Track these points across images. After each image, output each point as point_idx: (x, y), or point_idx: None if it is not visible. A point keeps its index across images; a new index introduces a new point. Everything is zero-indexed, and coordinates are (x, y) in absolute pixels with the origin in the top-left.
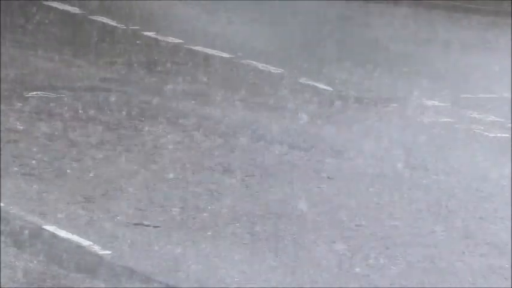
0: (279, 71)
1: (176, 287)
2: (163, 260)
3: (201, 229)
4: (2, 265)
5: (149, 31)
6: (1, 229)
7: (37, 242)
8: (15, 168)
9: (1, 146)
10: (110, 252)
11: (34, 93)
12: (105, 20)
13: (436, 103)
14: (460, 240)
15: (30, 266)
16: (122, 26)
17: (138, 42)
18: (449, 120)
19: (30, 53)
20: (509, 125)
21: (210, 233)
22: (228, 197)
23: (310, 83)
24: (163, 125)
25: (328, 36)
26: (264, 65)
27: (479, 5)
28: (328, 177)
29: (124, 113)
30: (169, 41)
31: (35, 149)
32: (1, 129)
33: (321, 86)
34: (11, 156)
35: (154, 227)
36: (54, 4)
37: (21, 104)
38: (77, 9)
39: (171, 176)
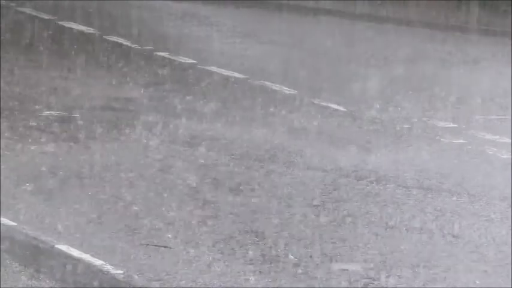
0: (292, 92)
1: None
2: (175, 280)
3: (213, 249)
4: (15, 285)
5: (163, 51)
6: (13, 249)
7: (49, 261)
8: (28, 188)
9: (13, 165)
10: (122, 271)
11: (47, 112)
12: (119, 40)
13: (449, 124)
14: (470, 262)
15: (42, 285)
16: (135, 46)
17: (150, 60)
18: (462, 141)
19: (44, 73)
20: None
21: (221, 254)
22: (239, 217)
23: (324, 103)
24: (176, 145)
25: (340, 57)
26: (278, 85)
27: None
28: (343, 198)
29: (137, 132)
30: (183, 61)
31: (47, 168)
32: (14, 148)
33: (334, 106)
34: (23, 175)
35: (166, 247)
36: (69, 24)
37: (34, 123)
38: (91, 29)
39: (182, 195)
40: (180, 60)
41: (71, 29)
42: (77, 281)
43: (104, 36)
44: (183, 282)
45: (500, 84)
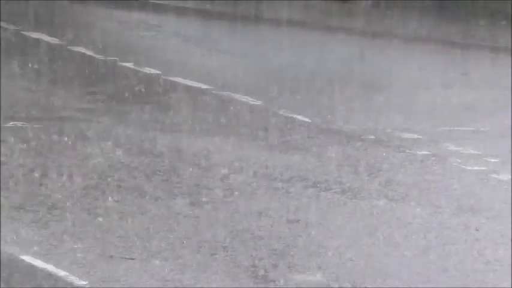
0: (258, 103)
1: None
2: None
3: (179, 261)
4: None
5: (127, 62)
6: None
7: (13, 271)
8: None
9: None
10: (85, 282)
11: (12, 123)
12: (83, 50)
13: (414, 136)
14: (437, 273)
15: None
16: (100, 56)
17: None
18: (427, 153)
19: (8, 83)
20: (487, 158)
21: (187, 265)
22: (203, 228)
23: (289, 114)
24: (141, 157)
25: (306, 68)
26: (243, 96)
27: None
28: (307, 209)
29: (100, 143)
30: (147, 72)
31: (11, 180)
32: None
33: (300, 117)
34: None
35: (130, 258)
36: (33, 34)
37: None
38: (55, 39)
39: (148, 208)
40: (145, 71)
41: (36, 39)
42: None
43: (68, 47)
44: None
45: (463, 96)
